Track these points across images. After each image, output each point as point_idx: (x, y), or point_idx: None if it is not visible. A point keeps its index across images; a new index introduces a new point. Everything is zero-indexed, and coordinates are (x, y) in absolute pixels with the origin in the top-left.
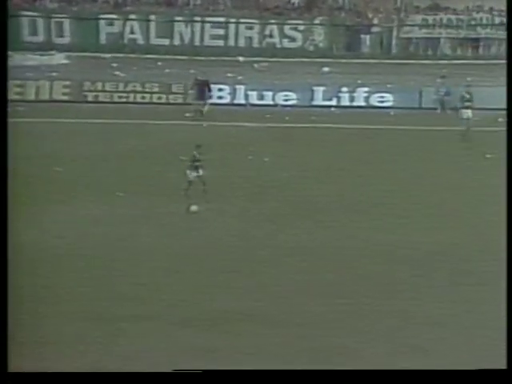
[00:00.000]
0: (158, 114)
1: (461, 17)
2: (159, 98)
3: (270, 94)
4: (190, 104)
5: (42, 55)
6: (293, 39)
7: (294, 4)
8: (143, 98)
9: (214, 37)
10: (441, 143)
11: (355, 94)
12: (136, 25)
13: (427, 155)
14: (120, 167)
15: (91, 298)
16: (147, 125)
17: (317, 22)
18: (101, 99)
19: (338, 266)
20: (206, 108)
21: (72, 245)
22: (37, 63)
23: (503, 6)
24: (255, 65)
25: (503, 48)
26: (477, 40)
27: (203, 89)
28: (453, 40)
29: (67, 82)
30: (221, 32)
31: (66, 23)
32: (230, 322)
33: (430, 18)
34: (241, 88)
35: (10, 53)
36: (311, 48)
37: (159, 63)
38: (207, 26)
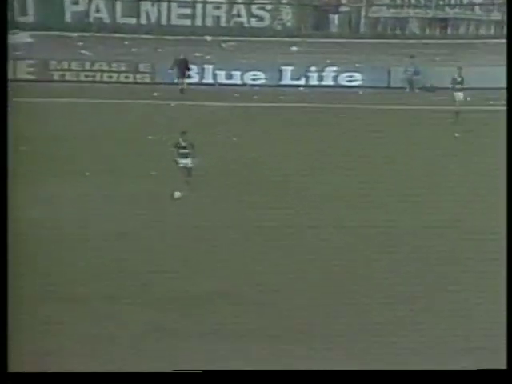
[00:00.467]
0: (125, 93)
1: None
2: (126, 78)
3: (238, 73)
4: (158, 84)
5: None
6: (261, 18)
7: None
8: (110, 77)
9: (181, 16)
10: (409, 122)
11: (324, 74)
12: (102, 3)
13: (396, 134)
14: (86, 147)
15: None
16: (114, 104)
17: (284, 1)
18: (67, 78)
19: (306, 242)
20: (185, 86)
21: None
22: None
23: None
24: (223, 44)
25: (472, 28)
26: (445, 20)
27: (183, 67)
28: (421, 20)
29: (32, 61)
30: (188, 11)
31: (30, 1)
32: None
33: None
34: (209, 68)
35: None
36: (279, 27)
37: (126, 42)
38: (174, 5)
